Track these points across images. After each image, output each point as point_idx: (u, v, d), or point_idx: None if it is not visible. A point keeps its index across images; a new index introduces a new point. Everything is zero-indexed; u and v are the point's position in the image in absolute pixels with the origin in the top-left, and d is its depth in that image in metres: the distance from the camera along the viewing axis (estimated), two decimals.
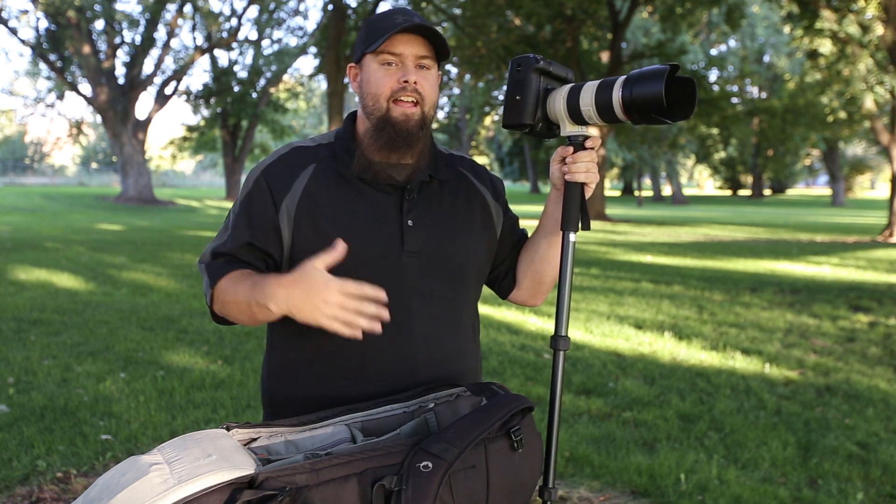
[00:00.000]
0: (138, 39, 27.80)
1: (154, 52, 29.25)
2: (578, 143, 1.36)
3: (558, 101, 1.34)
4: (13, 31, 25.11)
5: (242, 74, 32.44)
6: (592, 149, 1.36)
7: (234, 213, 1.39)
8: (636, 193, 44.72)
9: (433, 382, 1.35)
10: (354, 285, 1.15)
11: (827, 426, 3.71)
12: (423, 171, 1.40)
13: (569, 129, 1.36)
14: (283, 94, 36.16)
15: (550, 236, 1.48)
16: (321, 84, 48.80)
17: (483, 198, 1.50)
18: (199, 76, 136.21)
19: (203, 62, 76.39)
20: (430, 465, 1.08)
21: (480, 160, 44.50)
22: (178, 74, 29.33)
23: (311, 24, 51.75)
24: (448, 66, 25.89)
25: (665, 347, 5.35)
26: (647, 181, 53.55)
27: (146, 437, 3.39)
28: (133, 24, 27.57)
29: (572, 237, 1.35)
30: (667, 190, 52.53)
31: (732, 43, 42.49)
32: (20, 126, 61.28)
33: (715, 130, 32.05)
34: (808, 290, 8.18)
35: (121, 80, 27.55)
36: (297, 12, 33.69)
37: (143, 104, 75.31)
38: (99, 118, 30.57)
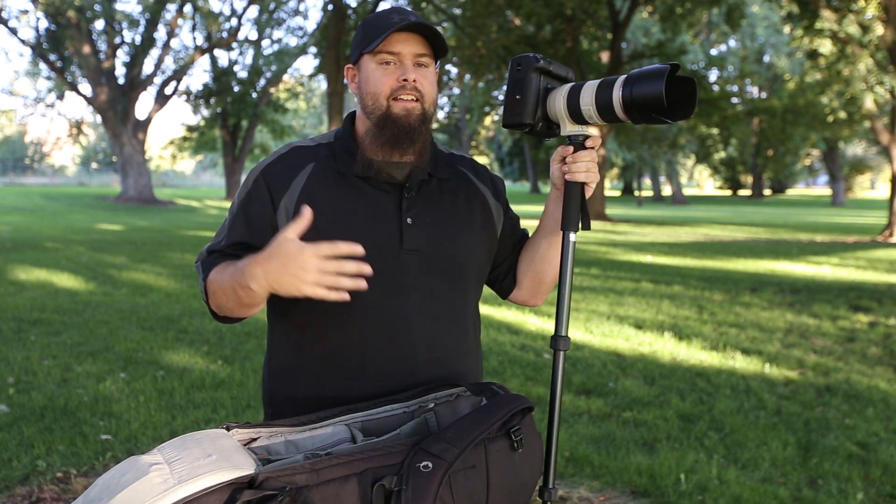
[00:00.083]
0: (138, 39, 27.82)
1: (154, 52, 29.30)
2: (578, 143, 1.36)
3: (558, 101, 1.34)
4: (13, 31, 25.12)
5: (242, 74, 32.45)
6: (593, 148, 1.36)
7: (232, 213, 1.39)
8: (636, 193, 44.72)
9: (433, 382, 1.35)
10: (328, 245, 1.11)
11: (827, 426, 3.71)
12: (422, 169, 1.40)
13: (569, 128, 1.36)
14: (283, 94, 36.15)
15: (550, 236, 1.48)
16: (321, 84, 48.80)
17: (483, 197, 1.49)
18: (199, 76, 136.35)
19: (203, 62, 76.42)
20: (430, 465, 1.08)
21: (480, 160, 44.01)
22: (178, 74, 29.34)
23: (311, 24, 51.77)
24: (448, 67, 25.88)
25: (665, 347, 5.35)
26: (647, 181, 53.53)
27: (146, 437, 3.39)
28: (133, 24, 27.59)
29: (572, 237, 1.35)
30: (667, 190, 52.51)
31: (732, 43, 42.49)
32: (20, 126, 61.35)
33: (715, 130, 32.06)
34: (808, 290, 8.18)
35: (121, 80, 27.57)
36: (297, 12, 33.73)
37: (143, 104, 75.46)
38: (99, 118, 30.59)
